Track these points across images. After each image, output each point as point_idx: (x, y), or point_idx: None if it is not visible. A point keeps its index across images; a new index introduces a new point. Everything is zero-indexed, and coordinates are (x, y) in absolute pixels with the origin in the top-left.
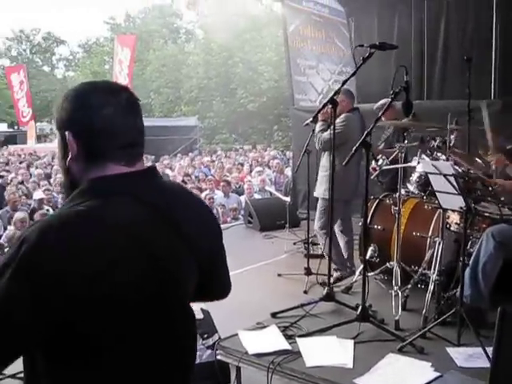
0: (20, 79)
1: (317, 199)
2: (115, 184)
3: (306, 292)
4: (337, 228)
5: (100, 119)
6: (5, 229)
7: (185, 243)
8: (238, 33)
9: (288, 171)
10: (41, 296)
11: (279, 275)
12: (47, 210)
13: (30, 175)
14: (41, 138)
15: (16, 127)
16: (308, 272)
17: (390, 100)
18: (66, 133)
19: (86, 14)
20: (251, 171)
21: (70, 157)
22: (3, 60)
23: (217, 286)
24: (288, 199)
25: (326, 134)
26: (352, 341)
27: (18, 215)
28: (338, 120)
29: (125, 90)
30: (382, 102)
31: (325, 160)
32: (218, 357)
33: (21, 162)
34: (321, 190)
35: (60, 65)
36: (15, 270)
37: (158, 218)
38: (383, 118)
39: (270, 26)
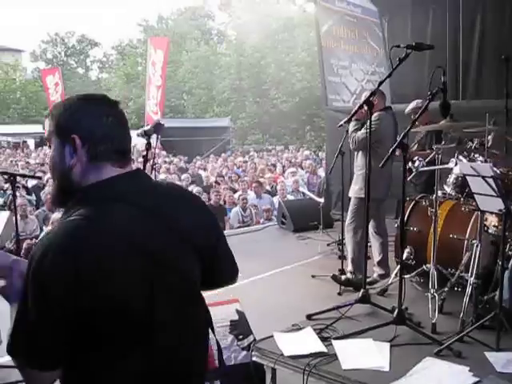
0: (55, 81)
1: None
2: (110, 189)
3: (340, 294)
4: (371, 229)
5: (105, 126)
6: (41, 229)
7: (179, 236)
8: (270, 33)
9: (321, 172)
10: (54, 306)
11: (313, 276)
12: None
13: None
14: None
15: None
16: (342, 273)
17: (426, 102)
18: (74, 137)
19: (119, 17)
20: (284, 172)
21: (74, 160)
22: (39, 62)
23: (222, 271)
24: (322, 200)
25: (360, 134)
26: (388, 344)
27: (55, 216)
28: (371, 119)
29: (117, 104)
30: (412, 105)
31: (359, 159)
32: (254, 358)
33: None
34: (355, 189)
35: (94, 67)
36: (30, 287)
37: (150, 217)
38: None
39: (302, 27)
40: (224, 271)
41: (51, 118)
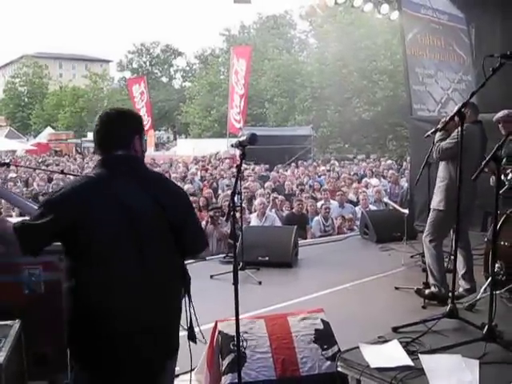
0: (141, 90)
1: None
2: (104, 163)
3: (424, 307)
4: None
5: (100, 136)
6: None
7: (156, 203)
8: (352, 41)
9: (403, 182)
10: (53, 212)
11: (396, 288)
12: None
13: None
14: (158, 145)
15: None
16: (426, 286)
17: None
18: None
19: (202, 26)
20: (366, 181)
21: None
22: (125, 72)
23: (189, 239)
24: (406, 211)
25: (445, 144)
26: (477, 361)
27: None
28: (457, 130)
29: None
30: (500, 113)
31: (441, 170)
32: (339, 368)
33: None
34: (435, 201)
35: (177, 76)
36: (44, 202)
37: (138, 185)
38: (503, 131)
39: (384, 34)
40: (191, 241)
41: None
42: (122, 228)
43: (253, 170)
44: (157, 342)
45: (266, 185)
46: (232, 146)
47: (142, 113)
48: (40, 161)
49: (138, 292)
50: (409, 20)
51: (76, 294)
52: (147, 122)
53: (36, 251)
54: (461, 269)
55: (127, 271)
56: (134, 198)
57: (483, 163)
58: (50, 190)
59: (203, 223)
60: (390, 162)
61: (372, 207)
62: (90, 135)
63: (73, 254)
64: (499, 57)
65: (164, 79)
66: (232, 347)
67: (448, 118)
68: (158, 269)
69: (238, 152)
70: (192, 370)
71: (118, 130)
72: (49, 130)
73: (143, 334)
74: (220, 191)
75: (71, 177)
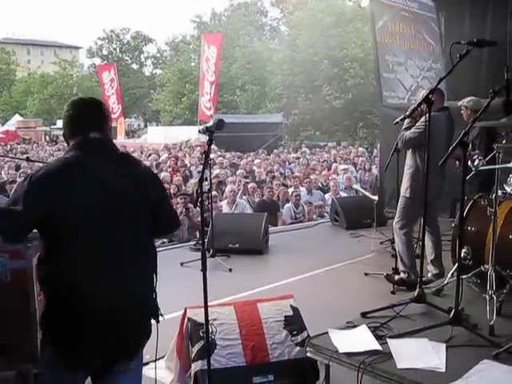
0: (111, 77)
1: None
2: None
3: (393, 292)
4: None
5: (74, 118)
6: None
7: (132, 182)
8: (323, 29)
9: (373, 169)
10: (32, 197)
11: (366, 274)
12: None
13: None
14: (129, 133)
15: None
16: (396, 272)
17: (487, 100)
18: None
19: (173, 13)
20: (336, 168)
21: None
22: (95, 59)
23: (165, 218)
24: (376, 198)
25: (409, 133)
26: (444, 344)
27: None
28: (422, 119)
29: None
30: (466, 99)
31: (408, 158)
32: (308, 354)
33: None
34: (403, 189)
35: (148, 63)
36: (23, 188)
37: (114, 165)
38: (465, 117)
39: (355, 22)
40: (167, 215)
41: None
42: (105, 207)
43: (224, 157)
44: (137, 320)
45: (237, 172)
46: (199, 131)
47: (112, 100)
48: (8, 149)
49: (120, 270)
50: (379, 7)
51: (58, 273)
52: (117, 109)
53: (20, 239)
54: (430, 254)
55: (110, 249)
56: (113, 178)
57: (450, 148)
58: (18, 178)
59: None
60: (360, 149)
61: (342, 194)
62: (60, 123)
63: (55, 234)
64: (466, 44)
65: (134, 66)
66: (201, 334)
67: (416, 104)
68: (137, 246)
69: (206, 139)
70: (162, 357)
71: (93, 114)
72: (17, 117)
73: (124, 310)
74: (192, 179)
75: (40, 164)
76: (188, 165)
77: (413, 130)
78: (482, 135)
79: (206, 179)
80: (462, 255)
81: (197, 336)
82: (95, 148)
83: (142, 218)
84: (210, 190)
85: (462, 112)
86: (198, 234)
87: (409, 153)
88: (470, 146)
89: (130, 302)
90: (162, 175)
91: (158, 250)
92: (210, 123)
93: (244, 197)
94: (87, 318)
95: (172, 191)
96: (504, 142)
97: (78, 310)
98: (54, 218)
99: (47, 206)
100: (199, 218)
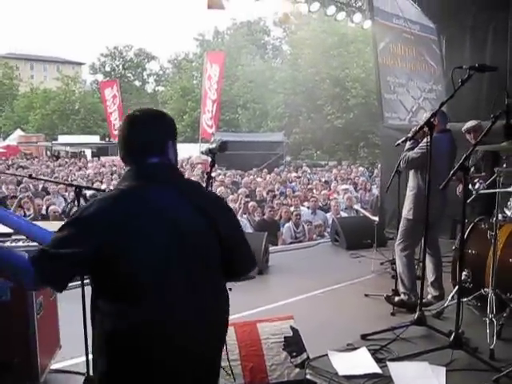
0: (113, 93)
1: None
2: (139, 172)
3: (393, 314)
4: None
5: (131, 136)
6: None
7: (205, 219)
8: (325, 49)
9: (374, 189)
10: (80, 239)
11: (366, 295)
12: None
13: None
14: None
15: (108, 139)
16: (396, 294)
17: (488, 124)
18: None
19: (176, 31)
20: (336, 188)
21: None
22: (98, 75)
23: (240, 258)
24: (376, 218)
25: (411, 154)
26: (444, 368)
27: None
28: (425, 140)
29: None
30: (469, 123)
31: (410, 180)
32: (308, 376)
33: (112, 174)
34: (405, 210)
35: (150, 80)
36: (71, 226)
37: (182, 198)
38: (473, 141)
39: (357, 43)
40: (242, 257)
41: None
42: (171, 249)
43: (225, 175)
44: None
45: (239, 191)
46: (202, 153)
47: (114, 116)
48: (9, 163)
49: (191, 330)
50: (381, 29)
51: (119, 339)
52: (119, 125)
53: (63, 287)
54: (430, 276)
55: (178, 305)
56: (179, 212)
57: (451, 172)
58: (19, 193)
59: None
60: (361, 168)
61: (343, 214)
62: (61, 138)
63: (109, 291)
64: (468, 68)
65: (137, 83)
66: None
67: (418, 127)
68: (210, 294)
69: (208, 159)
70: None
71: (152, 134)
72: (19, 132)
73: (195, 369)
74: None
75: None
76: None
77: (416, 150)
78: (486, 158)
79: None
80: (463, 278)
81: None
82: (157, 176)
83: (216, 261)
84: None
85: (468, 136)
86: None
87: (411, 174)
88: (473, 168)
89: (202, 358)
90: None
91: None
92: (213, 145)
93: (244, 216)
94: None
95: None
96: (504, 165)
97: (152, 372)
98: (107, 267)
99: (99, 251)
100: None
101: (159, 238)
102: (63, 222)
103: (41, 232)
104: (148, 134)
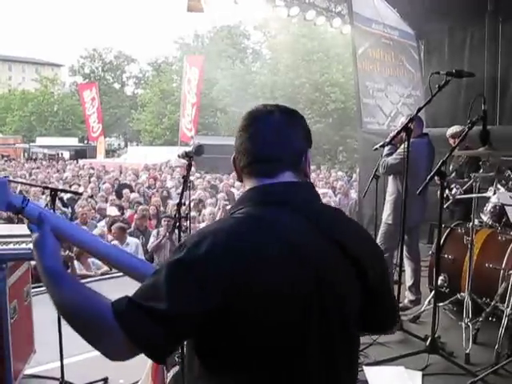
0: (92, 96)
1: None
2: (270, 193)
3: None
4: (404, 254)
5: (260, 144)
6: None
7: (349, 262)
8: (305, 53)
9: (352, 193)
10: (198, 285)
11: None
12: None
13: (99, 189)
14: (109, 152)
15: (86, 142)
16: None
17: (466, 129)
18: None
19: (156, 34)
20: None
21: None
22: (77, 77)
23: (383, 312)
24: None
25: (390, 159)
26: (420, 372)
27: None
28: (403, 145)
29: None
30: (454, 128)
31: (390, 185)
32: None
33: (90, 177)
34: (385, 215)
35: (130, 82)
36: (174, 272)
37: (316, 229)
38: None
39: (336, 48)
40: (385, 313)
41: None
42: (310, 305)
43: (203, 179)
44: None
45: (219, 196)
46: (179, 156)
47: (93, 119)
48: None
49: None
50: (360, 34)
51: None
52: (98, 128)
53: (166, 356)
54: (408, 280)
55: (311, 377)
56: (319, 252)
57: (427, 178)
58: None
59: (154, 232)
60: (340, 173)
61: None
62: (39, 140)
63: (219, 358)
64: (445, 74)
65: (116, 85)
66: (176, 359)
67: (395, 132)
68: (344, 372)
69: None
70: (136, 382)
71: (290, 141)
72: None
73: None
74: (171, 200)
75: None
76: (168, 186)
77: (394, 156)
78: (470, 164)
79: (185, 204)
80: (439, 283)
81: (172, 361)
82: (292, 201)
83: (356, 319)
84: (188, 215)
85: (451, 141)
86: None
87: (390, 179)
88: (455, 173)
89: None
90: (136, 196)
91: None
92: (190, 148)
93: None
94: None
95: (151, 212)
96: (481, 171)
97: None
98: (221, 325)
99: (220, 304)
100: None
101: (295, 288)
102: (156, 269)
103: (142, 265)
104: (284, 140)
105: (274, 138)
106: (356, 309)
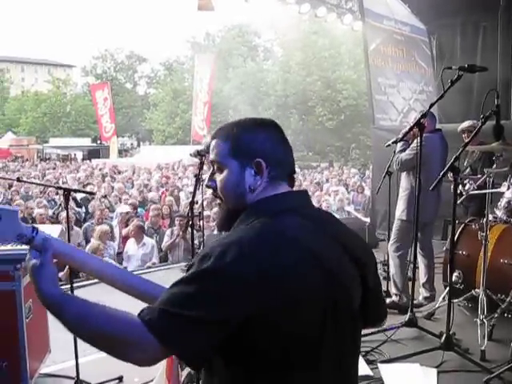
0: (104, 96)
1: None
2: (284, 201)
3: None
4: (418, 250)
5: (282, 152)
6: (86, 242)
7: (351, 261)
8: (316, 50)
9: (366, 190)
10: (230, 292)
11: None
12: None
13: (112, 189)
14: (122, 152)
15: (99, 142)
16: (387, 295)
17: (479, 124)
18: (260, 160)
19: (167, 33)
20: (328, 190)
21: (257, 182)
22: (89, 77)
23: (376, 307)
24: (368, 220)
25: (404, 155)
26: (435, 370)
27: (101, 228)
28: (416, 140)
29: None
30: (466, 123)
31: (403, 181)
32: None
33: (103, 177)
34: (399, 211)
35: (142, 82)
36: (200, 282)
37: (324, 232)
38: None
39: (348, 44)
40: (380, 305)
41: (225, 139)
42: (328, 306)
43: None
44: None
45: None
46: (191, 155)
47: (105, 119)
48: (0, 166)
49: None
50: (372, 30)
51: None
52: (110, 128)
53: (205, 362)
54: (422, 277)
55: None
56: (332, 256)
57: (441, 174)
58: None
59: (168, 232)
60: (353, 170)
61: (335, 215)
62: (52, 141)
63: (242, 362)
64: (457, 69)
65: (128, 85)
66: None
67: (407, 128)
68: (352, 373)
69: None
70: (151, 381)
71: (291, 152)
72: (10, 135)
73: None
74: (184, 199)
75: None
76: (180, 185)
77: (408, 151)
78: (484, 159)
79: (197, 202)
80: (454, 279)
81: None
82: (304, 208)
83: (360, 320)
84: (201, 213)
85: (464, 136)
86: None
87: (403, 175)
88: (469, 169)
89: None
90: (153, 195)
91: (149, 270)
92: (202, 147)
93: None
94: None
95: (164, 211)
96: (494, 166)
97: None
98: (246, 335)
99: (249, 315)
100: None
101: (316, 297)
102: (181, 278)
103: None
104: (289, 152)
105: (283, 148)
106: (358, 304)
